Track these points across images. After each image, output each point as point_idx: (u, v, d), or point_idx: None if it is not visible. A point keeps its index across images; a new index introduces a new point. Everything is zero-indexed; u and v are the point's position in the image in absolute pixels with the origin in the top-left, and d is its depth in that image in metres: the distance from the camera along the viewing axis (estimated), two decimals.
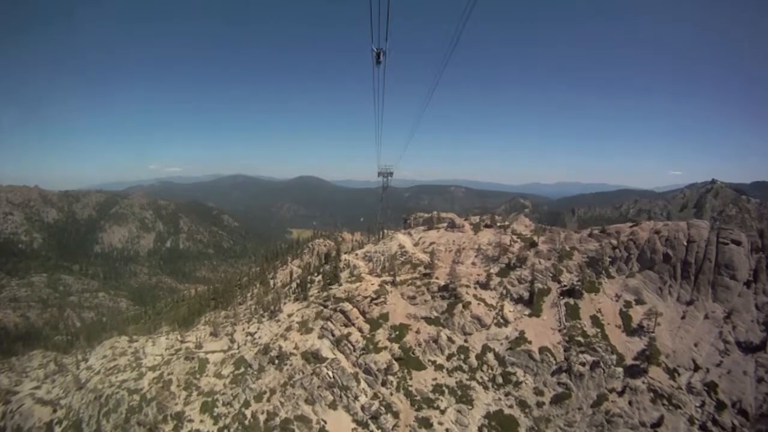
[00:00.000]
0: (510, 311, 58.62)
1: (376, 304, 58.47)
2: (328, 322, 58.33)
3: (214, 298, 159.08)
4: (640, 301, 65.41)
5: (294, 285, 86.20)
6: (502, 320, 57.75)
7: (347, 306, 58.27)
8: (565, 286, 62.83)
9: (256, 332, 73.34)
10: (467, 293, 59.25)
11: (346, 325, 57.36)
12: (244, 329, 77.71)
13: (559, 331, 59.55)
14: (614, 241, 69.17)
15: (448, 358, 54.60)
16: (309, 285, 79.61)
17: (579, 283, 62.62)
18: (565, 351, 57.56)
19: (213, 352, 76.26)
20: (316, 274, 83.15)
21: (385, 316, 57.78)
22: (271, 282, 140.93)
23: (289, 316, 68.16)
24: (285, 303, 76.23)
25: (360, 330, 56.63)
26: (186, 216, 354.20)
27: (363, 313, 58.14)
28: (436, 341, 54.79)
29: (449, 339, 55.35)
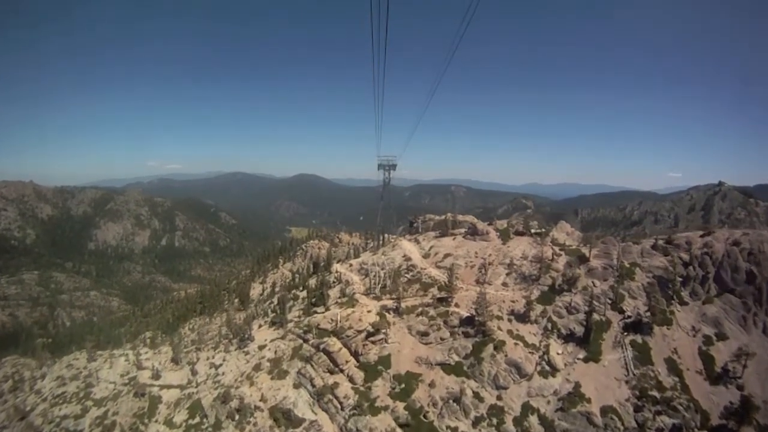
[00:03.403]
0: (558, 354, 40.86)
1: (374, 343, 40.64)
2: (308, 366, 40.53)
3: (201, 302, 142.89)
4: (721, 336, 48.14)
5: (275, 300, 68.26)
6: (548, 367, 40.02)
7: (334, 344, 40.42)
8: (629, 317, 45.10)
9: (220, 365, 55.81)
10: (499, 328, 41.39)
11: (331, 372, 39.56)
12: (208, 358, 60.19)
13: (626, 382, 42.09)
14: (685, 255, 51.37)
15: (475, 423, 36.86)
16: (292, 302, 61.76)
17: (647, 313, 44.88)
18: (635, 411, 40.51)
19: (169, 387, 59.24)
20: (301, 288, 65.15)
21: (385, 361, 39.94)
22: (261, 287, 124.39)
23: (261, 347, 50.38)
24: (260, 326, 58.46)
25: (350, 380, 38.84)
26: (182, 213, 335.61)
27: (355, 355, 40.36)
28: (457, 399, 37.02)
29: (476, 395, 37.59)
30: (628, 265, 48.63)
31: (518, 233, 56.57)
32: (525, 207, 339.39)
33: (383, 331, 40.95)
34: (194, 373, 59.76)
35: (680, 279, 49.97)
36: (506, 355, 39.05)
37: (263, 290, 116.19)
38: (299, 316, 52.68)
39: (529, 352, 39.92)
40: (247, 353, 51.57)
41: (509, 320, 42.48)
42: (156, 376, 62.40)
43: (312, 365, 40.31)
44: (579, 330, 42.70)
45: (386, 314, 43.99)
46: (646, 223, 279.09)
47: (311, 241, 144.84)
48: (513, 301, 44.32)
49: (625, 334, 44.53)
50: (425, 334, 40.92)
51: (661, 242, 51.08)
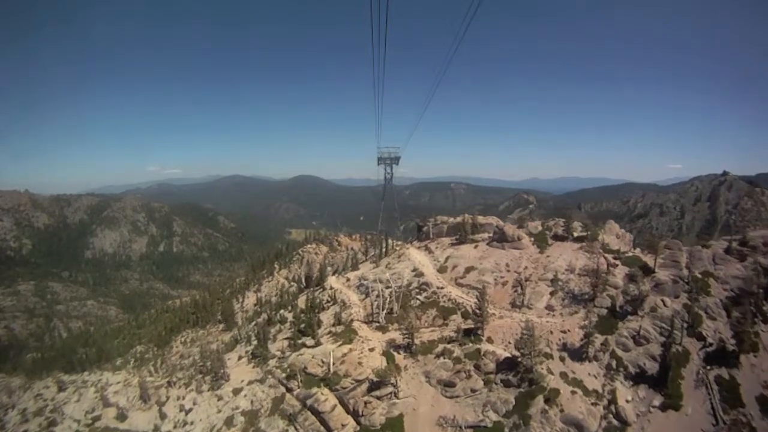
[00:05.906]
0: (628, 402, 29.55)
1: (379, 398, 29.35)
2: (291, 429, 29.06)
3: (194, 312, 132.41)
4: None
5: (262, 320, 56.89)
6: (616, 421, 28.75)
7: (326, 401, 29.15)
8: (710, 344, 33.65)
9: (190, 409, 44.62)
10: (550, 370, 30.13)
11: None
12: (179, 398, 49.15)
13: None
14: (764, 260, 39.91)
15: None
16: (278, 325, 50.37)
17: (733, 338, 33.50)
18: None
19: None
20: (289, 308, 53.68)
21: (396, 424, 28.64)
22: (255, 296, 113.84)
23: (236, 391, 39.14)
24: (239, 358, 47.10)
25: None
26: (180, 218, 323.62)
27: (354, 415, 29.11)
28: None
29: None
30: (699, 276, 37.21)
31: (558, 237, 44.51)
32: (527, 202, 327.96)
33: (391, 379, 29.64)
34: (162, 416, 48.92)
35: (761, 290, 38.64)
36: (562, 410, 27.85)
37: (257, 300, 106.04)
38: (283, 350, 41.27)
39: (592, 403, 28.65)
40: (220, 398, 40.26)
41: (561, 358, 31.15)
42: (121, 416, 51.95)
43: (297, 427, 29.00)
44: (651, 366, 31.39)
45: (395, 354, 32.67)
46: (652, 215, 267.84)
47: (308, 246, 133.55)
48: (563, 332, 32.90)
49: (708, 368, 33.14)
50: (450, 384, 29.46)
51: (735, 245, 39.63)
